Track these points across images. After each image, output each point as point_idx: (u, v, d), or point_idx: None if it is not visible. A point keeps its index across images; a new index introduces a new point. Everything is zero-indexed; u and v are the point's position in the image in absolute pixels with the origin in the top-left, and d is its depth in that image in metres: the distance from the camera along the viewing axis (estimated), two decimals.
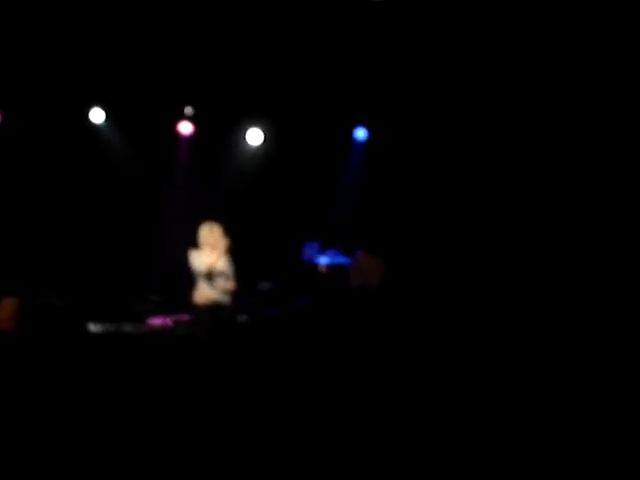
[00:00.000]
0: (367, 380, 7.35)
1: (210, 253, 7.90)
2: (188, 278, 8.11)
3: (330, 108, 11.54)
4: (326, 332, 9.23)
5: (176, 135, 11.98)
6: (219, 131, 11.97)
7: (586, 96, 10.26)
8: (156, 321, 10.50)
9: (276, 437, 5.52)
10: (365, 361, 8.12)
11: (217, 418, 6.05)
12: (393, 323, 8.99)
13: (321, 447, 5.26)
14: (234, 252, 7.98)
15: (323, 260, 11.22)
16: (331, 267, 11.08)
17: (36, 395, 6.50)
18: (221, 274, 7.87)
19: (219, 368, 7.26)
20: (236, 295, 8.11)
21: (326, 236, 11.53)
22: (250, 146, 12.04)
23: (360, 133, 12.00)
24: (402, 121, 11.64)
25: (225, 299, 7.87)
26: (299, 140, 11.87)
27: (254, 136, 11.99)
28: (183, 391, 6.81)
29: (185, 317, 9.59)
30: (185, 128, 11.91)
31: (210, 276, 7.82)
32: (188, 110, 11.76)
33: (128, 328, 10.00)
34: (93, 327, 9.80)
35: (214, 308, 7.83)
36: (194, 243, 8.07)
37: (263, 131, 11.95)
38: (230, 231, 8.07)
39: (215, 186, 11.85)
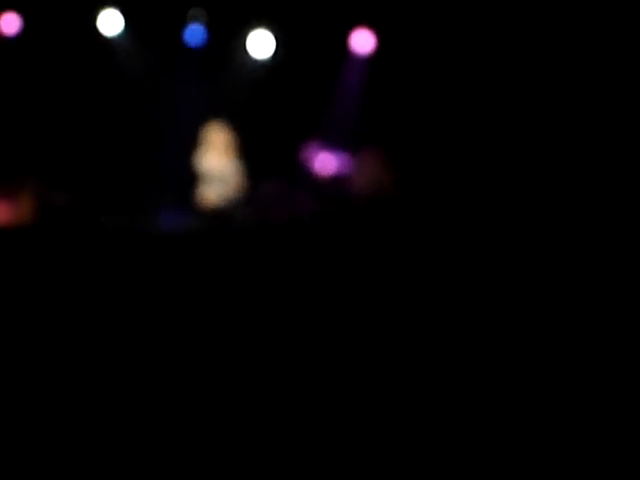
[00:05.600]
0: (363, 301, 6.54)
1: (217, 154, 7.78)
2: (194, 182, 7.94)
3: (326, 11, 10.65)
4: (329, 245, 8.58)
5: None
6: (226, 39, 11.73)
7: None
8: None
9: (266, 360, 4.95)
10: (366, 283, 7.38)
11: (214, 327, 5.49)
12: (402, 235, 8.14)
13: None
14: (241, 153, 7.85)
15: (324, 161, 10.39)
16: (333, 170, 10.23)
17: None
18: (227, 176, 7.73)
19: (219, 275, 6.96)
20: (243, 198, 7.91)
21: (328, 135, 10.55)
22: (258, 55, 11.82)
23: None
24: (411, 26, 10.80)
25: (231, 203, 7.74)
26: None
27: (263, 46, 11.75)
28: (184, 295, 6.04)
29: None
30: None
31: (216, 178, 7.70)
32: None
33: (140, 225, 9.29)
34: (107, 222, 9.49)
35: (219, 212, 7.70)
36: (200, 144, 7.95)
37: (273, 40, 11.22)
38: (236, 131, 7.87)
39: (221, 88, 10.92)
